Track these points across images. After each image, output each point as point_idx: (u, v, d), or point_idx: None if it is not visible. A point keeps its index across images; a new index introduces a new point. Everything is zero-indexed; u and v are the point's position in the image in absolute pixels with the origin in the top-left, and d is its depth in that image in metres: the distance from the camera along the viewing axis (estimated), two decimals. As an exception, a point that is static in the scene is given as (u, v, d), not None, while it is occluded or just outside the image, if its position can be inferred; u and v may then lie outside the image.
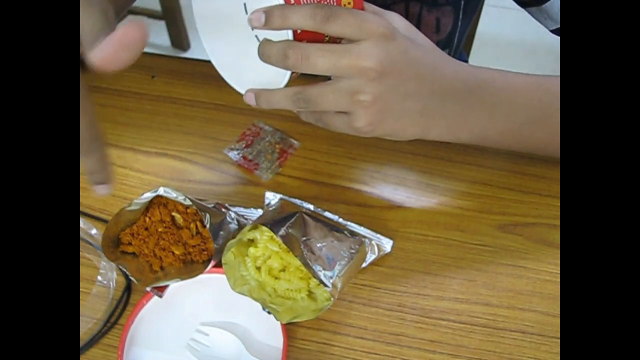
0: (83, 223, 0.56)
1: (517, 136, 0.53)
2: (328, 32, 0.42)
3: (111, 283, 0.53)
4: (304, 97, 0.44)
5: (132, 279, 0.50)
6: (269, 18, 0.41)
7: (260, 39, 0.44)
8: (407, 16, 0.66)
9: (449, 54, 0.73)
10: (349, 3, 0.45)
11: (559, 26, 0.60)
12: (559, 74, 0.57)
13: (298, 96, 0.44)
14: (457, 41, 0.72)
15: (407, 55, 0.43)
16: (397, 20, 0.47)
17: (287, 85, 0.46)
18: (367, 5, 0.47)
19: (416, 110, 0.46)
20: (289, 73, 0.44)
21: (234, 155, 0.63)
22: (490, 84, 0.50)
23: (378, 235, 0.55)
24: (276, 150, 0.63)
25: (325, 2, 0.43)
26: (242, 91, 0.48)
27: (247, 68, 0.47)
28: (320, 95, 0.44)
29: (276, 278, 0.49)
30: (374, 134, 0.46)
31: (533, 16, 0.62)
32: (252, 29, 0.43)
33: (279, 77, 0.45)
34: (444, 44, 0.71)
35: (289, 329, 0.50)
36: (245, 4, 0.43)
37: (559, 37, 0.58)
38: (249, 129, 0.65)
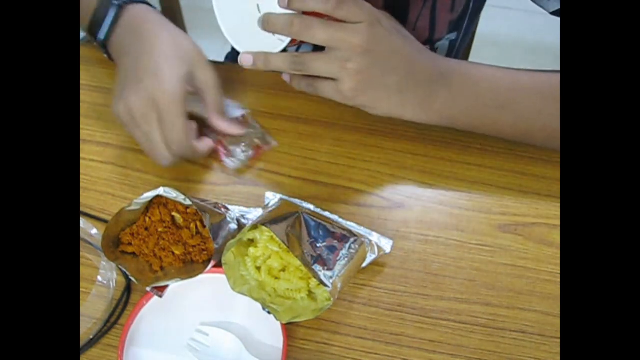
0: (83, 223, 0.56)
1: (482, 118, 0.58)
2: (336, 16, 0.50)
3: (111, 283, 0.53)
4: (300, 61, 0.52)
5: (132, 279, 0.50)
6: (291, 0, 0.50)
7: (262, 9, 0.51)
8: None
9: (457, 37, 0.76)
10: None
11: (558, 7, 0.60)
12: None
13: (295, 59, 0.52)
14: (466, 25, 0.76)
15: (390, 40, 0.53)
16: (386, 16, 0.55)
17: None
18: None
19: (393, 86, 0.54)
20: (287, 41, 0.51)
21: (213, 137, 0.61)
22: (458, 70, 0.57)
23: (378, 235, 0.55)
24: (252, 145, 0.62)
25: None
26: (241, 50, 0.55)
27: (248, 32, 0.53)
28: (314, 61, 0.52)
29: (276, 278, 0.49)
30: (356, 102, 0.54)
31: (534, 1, 0.63)
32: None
33: (276, 43, 0.53)
34: (454, 26, 0.74)
35: (289, 329, 0.50)
36: None
37: (558, 36, 0.58)
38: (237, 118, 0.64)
